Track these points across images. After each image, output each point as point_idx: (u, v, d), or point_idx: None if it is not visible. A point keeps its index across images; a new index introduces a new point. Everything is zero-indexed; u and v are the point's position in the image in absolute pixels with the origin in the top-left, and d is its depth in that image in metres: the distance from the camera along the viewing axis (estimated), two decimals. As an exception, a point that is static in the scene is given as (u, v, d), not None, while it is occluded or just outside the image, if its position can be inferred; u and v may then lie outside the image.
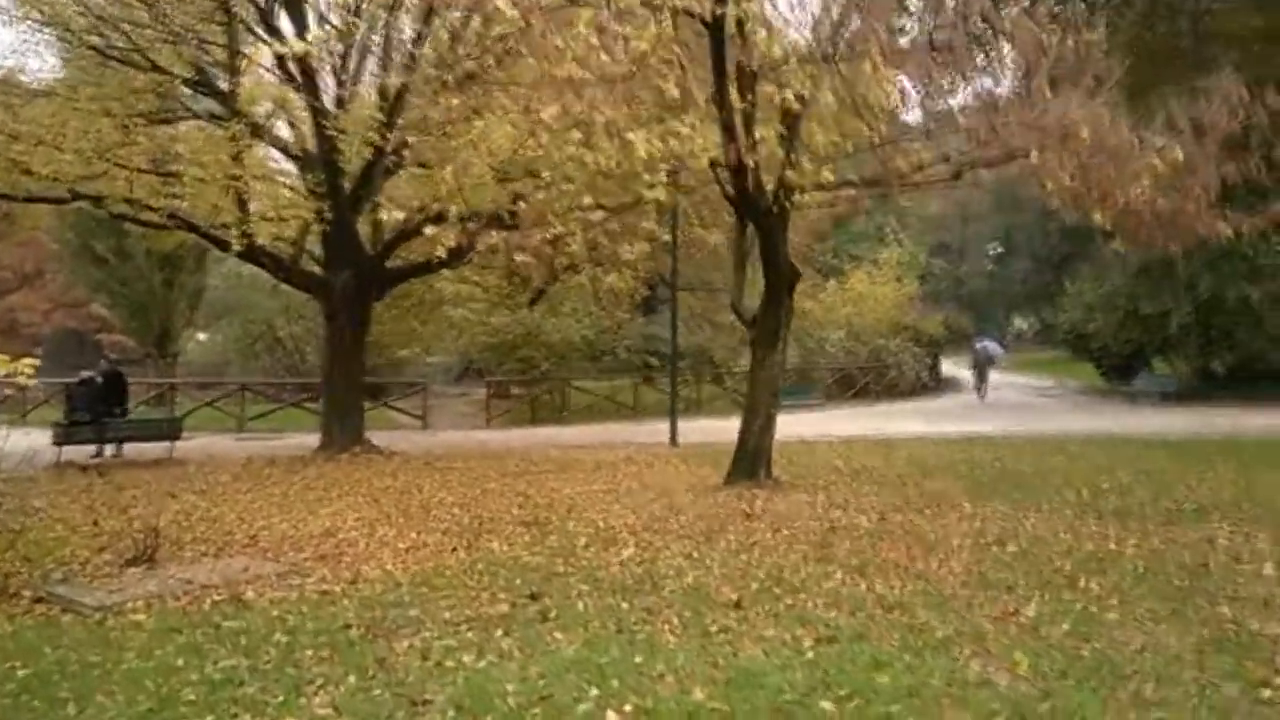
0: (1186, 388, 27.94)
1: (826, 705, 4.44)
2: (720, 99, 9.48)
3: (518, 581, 7.34)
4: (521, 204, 12.11)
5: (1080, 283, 34.74)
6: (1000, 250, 64.15)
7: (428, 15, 15.75)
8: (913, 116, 16.61)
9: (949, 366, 41.42)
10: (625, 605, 6.47)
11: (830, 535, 8.76)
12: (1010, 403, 29.62)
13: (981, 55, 11.44)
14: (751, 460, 12.20)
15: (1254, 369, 26.16)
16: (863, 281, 38.39)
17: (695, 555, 8.03)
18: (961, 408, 28.68)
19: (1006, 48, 11.65)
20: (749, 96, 10.06)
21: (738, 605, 6.35)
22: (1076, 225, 27.03)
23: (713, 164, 10.30)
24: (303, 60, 15.10)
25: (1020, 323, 73.04)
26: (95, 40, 15.25)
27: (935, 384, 38.15)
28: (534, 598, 6.79)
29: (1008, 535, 8.56)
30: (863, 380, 33.63)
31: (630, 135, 8.30)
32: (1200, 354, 27.57)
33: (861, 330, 35.39)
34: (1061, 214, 24.93)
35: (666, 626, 5.91)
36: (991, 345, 44.15)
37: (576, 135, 8.91)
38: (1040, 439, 18.01)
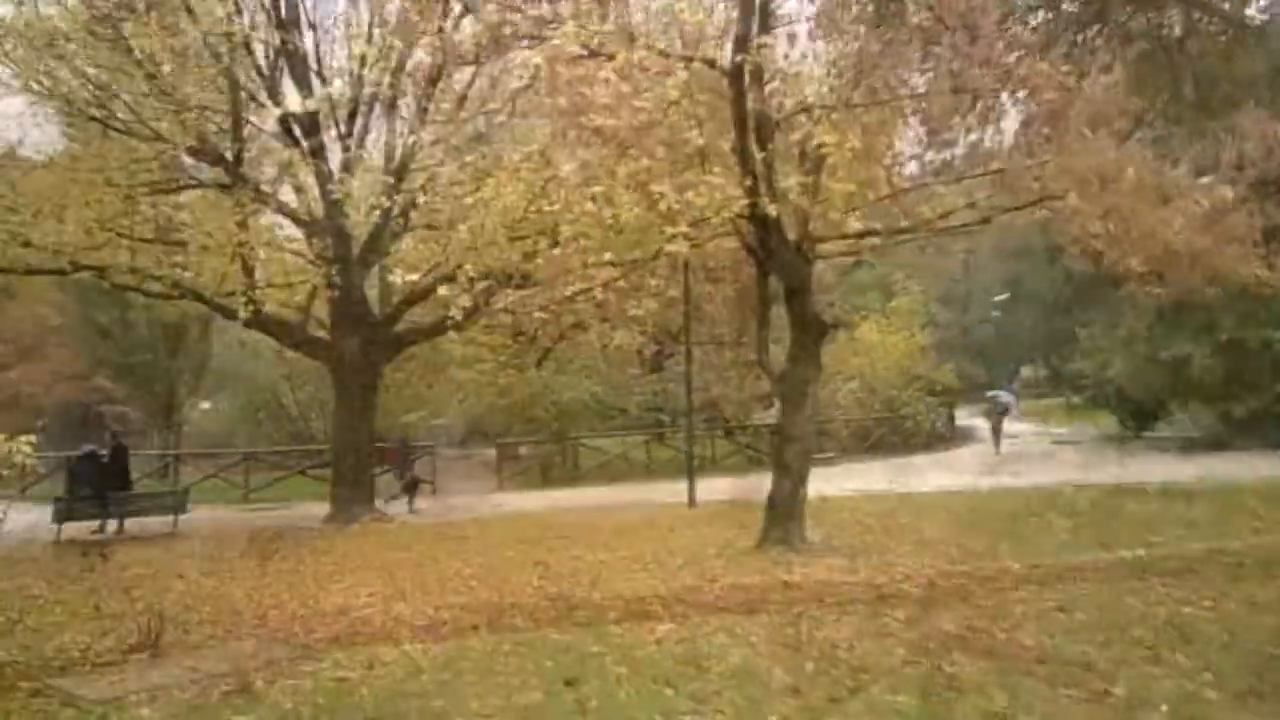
0: (1209, 434, 27.29)
1: (919, 814, 3.92)
2: (743, 149, 9.19)
3: (548, 664, 6.81)
4: (538, 261, 11.78)
5: (1094, 327, 34.28)
6: (1007, 297, 63.78)
7: (434, 76, 15.59)
8: (923, 161, 16.50)
9: (964, 417, 40.82)
10: (670, 692, 5.94)
11: (879, 604, 8.21)
12: (1031, 453, 28.99)
13: (1004, 97, 11.15)
14: (784, 522, 11.65)
15: (1277, 413, 25.54)
16: (872, 331, 37.88)
17: (738, 630, 7.48)
18: (982, 459, 28.03)
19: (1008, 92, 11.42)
20: (769, 145, 9.80)
21: (795, 690, 5.81)
22: (1086, 270, 26.57)
23: (735, 216, 9.96)
24: (307, 123, 14.95)
25: (1027, 370, 72.34)
26: (96, 112, 15.10)
27: (951, 435, 37.52)
28: (569, 684, 6.26)
29: (1070, 601, 7.99)
30: (878, 432, 33.05)
31: (655, 187, 7.98)
32: (1223, 399, 26.95)
33: (874, 381, 34.86)
34: (1069, 259, 24.66)
35: (720, 718, 5.38)
36: (1004, 395, 43.62)
37: (596, 189, 8.60)
38: (1071, 491, 17.38)
